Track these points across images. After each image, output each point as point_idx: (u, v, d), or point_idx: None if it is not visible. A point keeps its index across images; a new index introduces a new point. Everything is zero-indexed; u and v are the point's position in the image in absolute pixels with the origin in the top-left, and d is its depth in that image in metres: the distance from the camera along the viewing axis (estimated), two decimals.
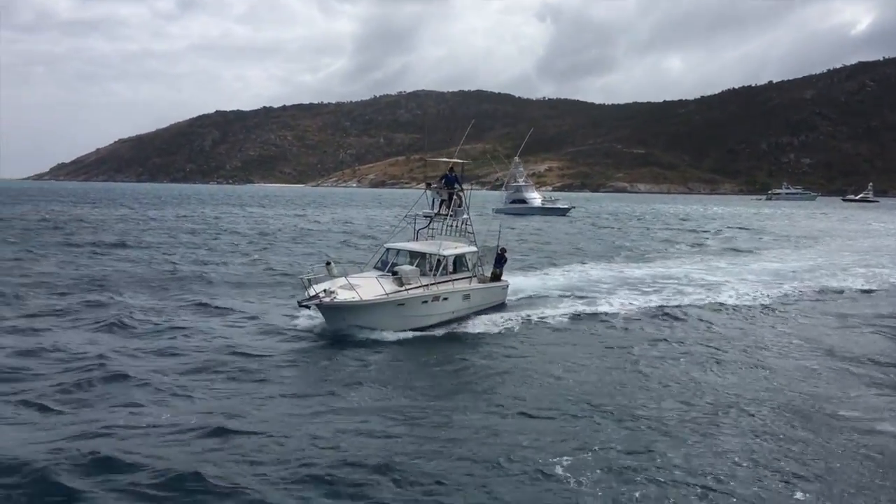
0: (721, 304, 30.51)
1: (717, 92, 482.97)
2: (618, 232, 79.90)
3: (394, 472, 12.35)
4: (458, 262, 27.11)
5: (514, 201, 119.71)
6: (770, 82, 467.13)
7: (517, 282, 34.46)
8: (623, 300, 30.62)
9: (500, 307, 28.28)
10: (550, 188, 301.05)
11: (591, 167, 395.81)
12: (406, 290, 23.74)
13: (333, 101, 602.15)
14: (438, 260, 25.66)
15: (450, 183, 28.95)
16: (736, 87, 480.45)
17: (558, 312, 27.46)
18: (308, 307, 22.60)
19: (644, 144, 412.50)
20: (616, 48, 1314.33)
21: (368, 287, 22.86)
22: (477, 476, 12.35)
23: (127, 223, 76.77)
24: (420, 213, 29.29)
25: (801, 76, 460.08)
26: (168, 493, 11.48)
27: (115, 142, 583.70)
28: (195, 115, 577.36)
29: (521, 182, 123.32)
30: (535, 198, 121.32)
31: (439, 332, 24.07)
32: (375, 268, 26.04)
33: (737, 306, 30.11)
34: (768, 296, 32.77)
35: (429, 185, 29.52)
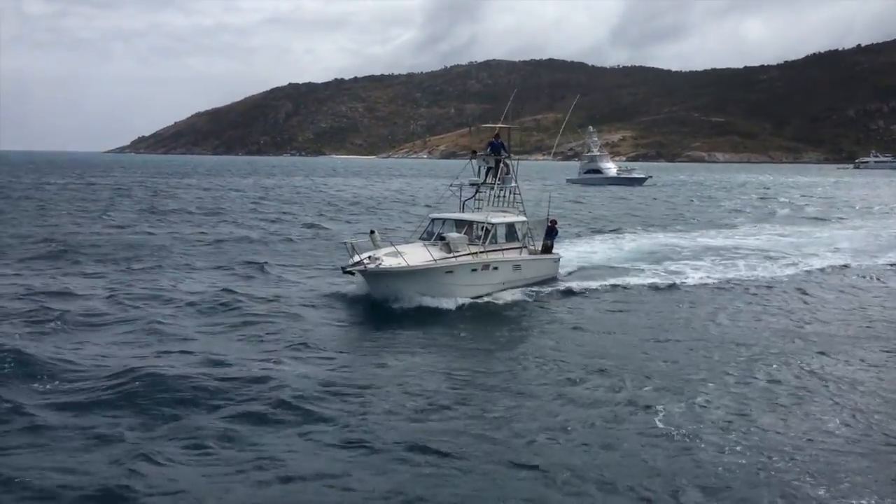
0: (809, 272, 29.43)
1: (800, 57, 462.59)
2: (696, 201, 78.29)
3: (466, 426, 12.24)
4: (509, 232, 25.83)
5: (588, 171, 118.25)
6: (858, 46, 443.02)
7: (591, 249, 33.73)
8: (706, 266, 30.01)
9: (552, 281, 26.65)
10: (624, 158, 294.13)
11: (667, 136, 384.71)
12: (454, 256, 22.76)
13: (404, 73, 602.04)
14: (486, 228, 24.45)
15: (496, 150, 27.26)
16: (821, 51, 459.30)
17: (637, 280, 26.63)
18: (352, 273, 21.65)
19: (723, 112, 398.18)
20: (692, 13, 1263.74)
21: (415, 254, 22.06)
22: (546, 434, 12.04)
23: (197, 192, 79.35)
24: (466, 181, 27.77)
25: (891, 39, 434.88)
26: (219, 436, 11.63)
27: (192, 115, 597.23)
28: (268, 88, 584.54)
29: (595, 152, 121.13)
30: (610, 167, 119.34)
31: (503, 297, 23.41)
32: (421, 238, 24.92)
33: (826, 272, 29.30)
34: (859, 265, 31.24)
35: (474, 153, 27.99)
